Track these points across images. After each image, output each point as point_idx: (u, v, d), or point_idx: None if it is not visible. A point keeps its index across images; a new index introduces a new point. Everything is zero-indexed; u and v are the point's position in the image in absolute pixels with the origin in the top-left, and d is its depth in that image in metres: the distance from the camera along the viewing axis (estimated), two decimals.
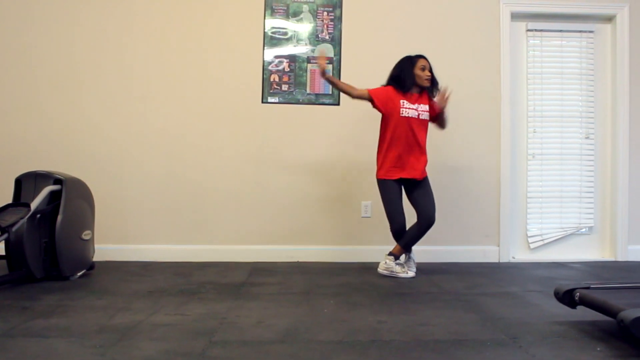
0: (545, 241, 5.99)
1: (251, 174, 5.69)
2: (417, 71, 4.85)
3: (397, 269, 4.77)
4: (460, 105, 5.81)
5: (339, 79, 5.70)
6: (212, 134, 5.68)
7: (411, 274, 4.78)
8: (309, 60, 5.74)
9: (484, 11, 5.90)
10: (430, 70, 4.91)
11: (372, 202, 5.72)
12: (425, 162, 4.90)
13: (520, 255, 5.99)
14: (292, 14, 5.74)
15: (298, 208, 5.71)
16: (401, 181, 4.86)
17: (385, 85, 4.96)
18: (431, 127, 5.05)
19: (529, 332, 3.05)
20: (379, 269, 4.88)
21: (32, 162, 5.41)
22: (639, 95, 5.98)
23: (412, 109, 4.80)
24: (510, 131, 5.90)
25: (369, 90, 4.85)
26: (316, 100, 5.73)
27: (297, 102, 5.73)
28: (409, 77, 4.84)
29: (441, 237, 5.70)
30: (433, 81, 4.93)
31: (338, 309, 3.56)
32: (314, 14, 5.75)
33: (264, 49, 5.73)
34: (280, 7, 5.73)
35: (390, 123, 4.83)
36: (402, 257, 4.91)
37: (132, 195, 5.61)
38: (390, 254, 4.85)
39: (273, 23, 5.74)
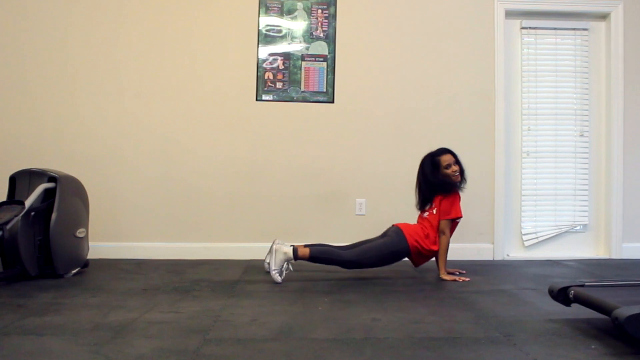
0: (540, 239, 5.99)
1: (245, 171, 5.68)
2: (443, 171, 4.69)
3: (282, 266, 4.38)
4: (454, 103, 5.82)
5: (333, 77, 5.71)
6: (206, 131, 5.67)
7: (280, 280, 4.33)
8: (303, 57, 5.73)
9: (479, 9, 5.89)
10: (457, 162, 4.76)
11: (367, 200, 5.72)
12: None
13: (514, 253, 6.00)
14: (286, 11, 5.73)
15: (292, 205, 5.71)
16: None
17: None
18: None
19: (523, 329, 3.05)
20: (275, 254, 4.39)
21: (27, 160, 5.38)
22: (633, 92, 5.99)
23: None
24: (505, 129, 5.90)
25: (449, 219, 4.65)
26: (310, 97, 5.72)
27: (292, 100, 5.72)
28: (437, 182, 4.69)
29: None
30: (462, 173, 4.78)
31: (332, 307, 3.56)
32: (309, 12, 5.74)
33: (258, 46, 5.72)
34: (275, 5, 5.72)
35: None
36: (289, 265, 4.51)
37: (125, 193, 5.60)
38: (295, 249, 4.42)
39: (267, 21, 5.73)
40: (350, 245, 4.67)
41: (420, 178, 4.80)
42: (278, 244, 4.44)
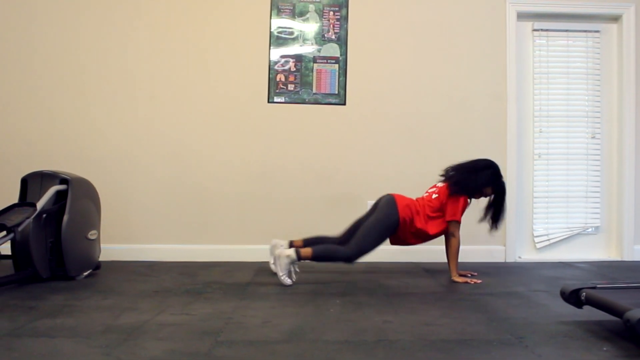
0: (552, 241, 5.97)
1: (256, 172, 5.68)
2: (485, 183, 4.74)
3: (288, 269, 4.34)
4: (466, 104, 5.80)
5: (345, 79, 5.71)
6: (218, 133, 5.68)
7: (290, 282, 4.33)
8: (315, 59, 5.74)
9: (490, 11, 5.88)
10: (492, 203, 4.82)
11: None
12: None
13: (526, 255, 5.98)
14: (298, 13, 5.74)
15: (303, 207, 5.70)
16: None
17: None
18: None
19: (535, 332, 3.04)
20: (278, 260, 4.35)
21: (38, 162, 5.38)
22: None
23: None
24: (517, 131, 5.88)
25: (456, 220, 4.70)
26: (322, 99, 5.72)
27: (303, 102, 5.72)
28: (469, 175, 4.73)
29: None
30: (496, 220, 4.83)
31: (344, 309, 3.56)
32: (320, 14, 5.75)
33: (270, 48, 5.72)
34: (287, 7, 5.73)
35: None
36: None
37: (137, 195, 5.61)
38: (297, 250, 4.33)
39: (279, 23, 5.73)
40: (344, 233, 4.69)
41: (472, 162, 4.81)
42: (280, 247, 4.49)
